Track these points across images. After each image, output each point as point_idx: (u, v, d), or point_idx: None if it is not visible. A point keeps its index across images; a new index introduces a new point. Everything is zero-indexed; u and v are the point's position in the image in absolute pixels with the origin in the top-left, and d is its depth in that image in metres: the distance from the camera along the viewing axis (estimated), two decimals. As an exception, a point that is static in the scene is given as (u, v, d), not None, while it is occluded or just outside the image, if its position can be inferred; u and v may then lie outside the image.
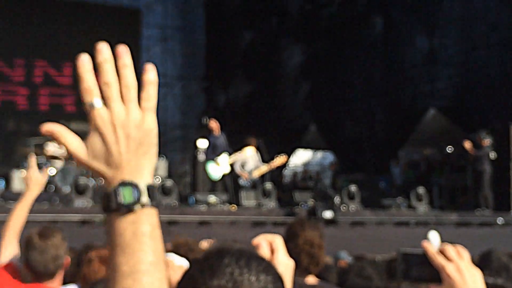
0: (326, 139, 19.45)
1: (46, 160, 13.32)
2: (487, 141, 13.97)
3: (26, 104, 19.90)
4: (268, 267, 1.45)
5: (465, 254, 1.76)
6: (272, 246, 1.73)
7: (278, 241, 1.75)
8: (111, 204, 1.17)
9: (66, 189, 12.59)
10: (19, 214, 3.60)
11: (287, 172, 16.85)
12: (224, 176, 13.27)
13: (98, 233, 8.27)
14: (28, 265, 3.37)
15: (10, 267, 3.43)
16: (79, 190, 11.93)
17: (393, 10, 18.61)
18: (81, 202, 11.80)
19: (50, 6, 20.20)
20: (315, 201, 13.09)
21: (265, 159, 13.73)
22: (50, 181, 13.02)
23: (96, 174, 1.20)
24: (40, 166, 4.02)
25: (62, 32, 19.72)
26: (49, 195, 12.13)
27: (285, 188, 15.15)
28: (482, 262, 3.06)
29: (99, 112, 1.17)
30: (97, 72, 1.20)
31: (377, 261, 11.34)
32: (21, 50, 19.52)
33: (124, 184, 1.17)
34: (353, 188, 13.75)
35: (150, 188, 1.18)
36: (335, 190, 14.43)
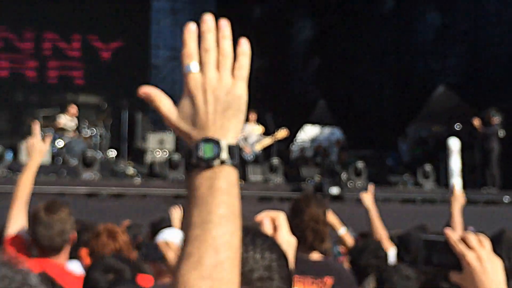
0: (334, 114, 19.42)
1: (55, 132, 13.37)
2: (496, 119, 13.92)
3: (35, 76, 19.92)
4: (272, 245, 1.48)
5: (487, 243, 1.76)
6: (275, 223, 1.74)
7: (281, 218, 1.76)
8: (192, 159, 1.19)
9: (74, 161, 12.65)
10: (25, 184, 3.59)
11: (294, 148, 16.84)
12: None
13: (105, 206, 8.35)
14: (35, 240, 3.39)
15: (17, 240, 3.45)
16: (87, 163, 12.00)
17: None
18: (88, 174, 11.88)
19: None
20: (322, 177, 13.11)
21: (271, 133, 13.75)
22: (58, 153, 13.09)
23: (182, 134, 1.24)
24: (42, 135, 4.00)
25: (71, 4, 19.67)
26: (57, 167, 12.20)
27: (292, 164, 15.15)
28: (495, 242, 3.07)
29: (194, 76, 1.23)
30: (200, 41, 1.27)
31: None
32: (31, 22, 19.49)
33: (206, 140, 1.20)
34: (360, 164, 13.77)
35: (231, 148, 1.21)
36: (341, 166, 14.44)
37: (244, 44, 1.32)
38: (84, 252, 3.97)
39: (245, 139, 13.54)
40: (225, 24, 1.29)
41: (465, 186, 14.41)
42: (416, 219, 9.81)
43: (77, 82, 20.40)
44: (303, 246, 3.89)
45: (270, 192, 12.31)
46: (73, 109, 14.12)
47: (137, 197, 11.51)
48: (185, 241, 1.17)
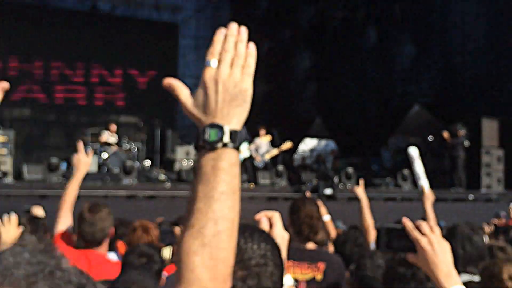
0: (329, 129, 19.36)
1: (100, 146, 13.42)
2: (462, 132, 13.85)
3: (84, 100, 20.04)
4: (267, 238, 1.47)
5: (437, 230, 1.76)
6: (271, 221, 1.74)
7: (276, 216, 1.75)
8: (200, 141, 1.17)
9: (116, 170, 12.68)
10: (72, 190, 3.61)
11: (296, 157, 16.79)
12: (244, 160, 13.30)
13: (141, 206, 8.28)
14: (80, 235, 3.40)
15: (65, 235, 3.46)
16: (126, 171, 12.00)
17: (386, 23, 18.43)
18: (127, 180, 11.87)
19: (106, 21, 20.28)
20: (318, 180, 13.06)
21: (277, 145, 13.74)
22: (103, 163, 13.13)
23: (195, 119, 1.22)
24: (87, 150, 4.01)
25: (115, 43, 19.81)
26: (102, 174, 12.25)
27: (294, 170, 15.11)
28: (449, 234, 3.04)
29: (210, 69, 1.21)
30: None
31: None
32: (81, 58, 19.65)
33: (212, 125, 1.17)
34: (350, 169, 13.73)
35: (233, 132, 1.19)
36: (335, 172, 14.38)
37: (252, 48, 1.30)
38: (120, 243, 3.98)
39: (256, 150, 13.54)
40: (243, 30, 1.29)
41: (436, 187, 14.33)
42: (396, 215, 9.76)
43: (118, 106, 20.51)
44: (300, 237, 3.93)
45: (276, 193, 12.29)
46: (113, 127, 14.18)
47: (167, 198, 11.49)
48: (189, 214, 1.14)
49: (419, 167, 3.13)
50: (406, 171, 14.15)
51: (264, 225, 1.71)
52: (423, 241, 1.73)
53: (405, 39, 17.98)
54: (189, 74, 23.34)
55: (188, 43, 23.21)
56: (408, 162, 15.80)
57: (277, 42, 22.21)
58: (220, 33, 1.26)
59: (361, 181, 5.00)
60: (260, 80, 23.10)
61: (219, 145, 1.17)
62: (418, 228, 1.76)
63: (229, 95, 1.21)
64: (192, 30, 23.33)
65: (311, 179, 13.35)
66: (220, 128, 1.17)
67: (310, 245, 3.93)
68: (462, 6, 16.15)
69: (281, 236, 1.70)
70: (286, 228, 1.83)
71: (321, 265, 3.82)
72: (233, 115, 1.21)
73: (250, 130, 13.99)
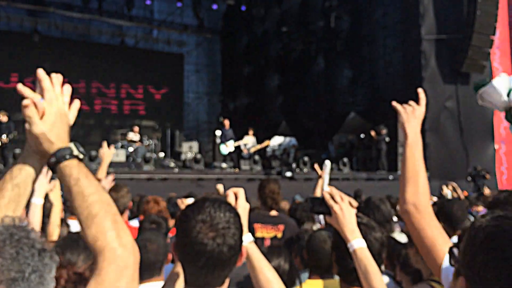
0: (291, 130, 19.36)
1: (127, 143, 13.30)
2: (384, 131, 13.92)
3: (116, 110, 19.79)
4: (232, 208, 1.41)
5: (345, 198, 1.71)
6: (236, 195, 1.68)
7: (240, 192, 1.69)
8: (61, 159, 1.13)
9: (139, 160, 12.55)
10: (101, 173, 3.51)
11: (268, 149, 16.77)
12: (230, 153, 13.23)
13: (157, 185, 8.19)
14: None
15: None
16: (146, 160, 11.86)
17: (331, 54, 18.44)
18: (147, 167, 11.74)
19: (131, 52, 20.04)
20: (281, 166, 13.03)
21: (257, 142, 13.69)
22: (129, 155, 13.00)
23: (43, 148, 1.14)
24: (109, 145, 3.86)
25: (138, 68, 19.55)
26: (129, 163, 12.15)
27: (267, 159, 15.09)
28: (365, 204, 3.06)
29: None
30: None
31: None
32: (113, 79, 19.38)
33: (63, 148, 1.14)
34: (306, 158, 13.73)
35: (74, 149, 1.14)
36: (295, 160, 14.41)
37: (66, 87, 1.20)
38: (141, 216, 3.96)
39: (245, 145, 13.47)
40: (55, 77, 1.19)
41: (367, 170, 14.44)
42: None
43: (140, 113, 20.27)
44: (265, 207, 3.86)
45: (253, 176, 12.22)
46: (136, 128, 14.01)
47: (176, 180, 11.38)
48: (76, 209, 1.08)
49: (327, 176, 3.10)
50: (345, 160, 14.20)
51: (231, 199, 1.65)
52: (335, 207, 1.69)
53: (344, 65, 18.04)
54: (191, 90, 23.18)
55: (191, 68, 23.06)
56: (346, 153, 15.92)
57: (255, 67, 22.15)
58: (41, 78, 1.15)
59: (316, 165, 4.97)
60: (244, 94, 22.98)
61: (73, 158, 1.13)
62: (332, 197, 1.72)
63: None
64: (193, 58, 23.18)
65: (279, 166, 13.34)
66: (69, 148, 1.14)
67: (273, 212, 3.87)
68: (384, 41, 16.25)
69: (243, 207, 1.64)
70: (248, 200, 1.75)
71: (281, 227, 3.77)
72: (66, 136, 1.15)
73: (240, 131, 13.97)
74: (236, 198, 1.65)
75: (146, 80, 20.21)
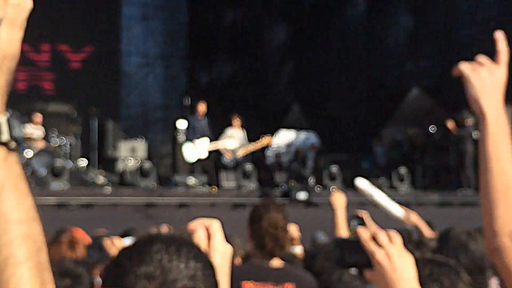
0: (309, 119, 19.47)
1: (22, 142, 13.25)
2: (470, 121, 14.01)
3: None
4: (198, 254, 1.45)
5: (397, 239, 1.76)
6: (209, 232, 1.72)
7: (215, 226, 1.74)
8: None
9: (42, 171, 12.55)
10: None
11: (269, 153, 16.85)
12: (201, 159, 13.23)
13: (75, 216, 8.21)
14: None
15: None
16: (55, 173, 11.91)
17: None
18: (57, 184, 11.79)
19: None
20: (291, 182, 13.10)
21: (248, 140, 13.77)
22: (26, 163, 12.96)
23: None
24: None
25: (40, 11, 19.62)
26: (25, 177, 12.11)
27: (266, 169, 15.17)
28: (441, 241, 3.07)
29: None
30: None
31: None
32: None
33: None
34: (334, 168, 13.78)
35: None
36: (317, 171, 14.48)
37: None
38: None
39: (228, 145, 13.54)
40: None
41: (440, 188, 14.54)
42: (390, 222, 9.84)
43: (46, 92, 20.36)
44: (263, 253, 3.94)
45: (243, 199, 12.32)
46: (38, 117, 14.04)
47: (107, 206, 11.45)
48: None
49: (380, 197, 3.20)
50: (403, 170, 14.31)
51: (200, 237, 1.71)
52: (378, 254, 1.73)
53: (400, 7, 18.14)
54: (134, 52, 23.26)
55: (134, 13, 23.10)
56: (405, 158, 16.04)
57: (245, 10, 22.24)
58: None
59: (335, 188, 5.07)
60: (225, 58, 23.21)
61: None
62: (374, 238, 1.76)
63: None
64: (138, -4, 23.23)
65: (288, 181, 13.42)
66: None
67: (276, 262, 3.94)
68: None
69: (221, 251, 1.70)
70: (229, 240, 1.80)
71: (290, 286, 3.84)
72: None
73: (220, 120, 14.00)
74: (209, 236, 1.72)
75: (54, 34, 20.32)
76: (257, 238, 3.94)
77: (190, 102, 13.82)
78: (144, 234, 1.69)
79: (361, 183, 3.98)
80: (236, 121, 13.83)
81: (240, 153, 13.61)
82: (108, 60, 21.47)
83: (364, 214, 4.27)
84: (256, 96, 21.10)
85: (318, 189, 13.06)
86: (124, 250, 1.42)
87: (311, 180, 12.81)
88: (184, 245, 1.43)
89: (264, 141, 13.78)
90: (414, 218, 4.53)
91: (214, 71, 23.40)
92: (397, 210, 4.61)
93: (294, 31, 20.69)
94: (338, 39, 19.25)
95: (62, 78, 20.44)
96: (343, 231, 4.46)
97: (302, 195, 12.33)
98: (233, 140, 13.61)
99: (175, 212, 11.49)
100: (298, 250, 5.02)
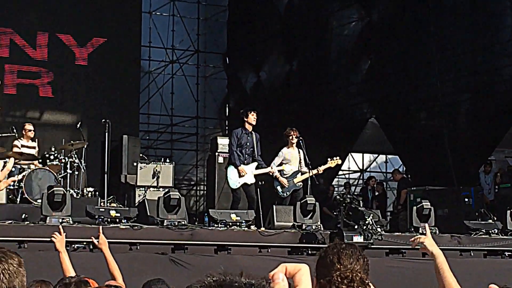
0: (390, 138, 19.36)
1: (9, 161, 13.47)
2: None
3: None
4: None
5: None
6: (294, 280, 1.75)
7: (303, 272, 1.76)
8: None
9: (36, 199, 12.72)
10: None
11: (339, 182, 16.84)
12: (246, 185, 13.32)
13: (80, 261, 8.25)
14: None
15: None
16: (53, 204, 11.97)
17: None
18: (55, 219, 11.82)
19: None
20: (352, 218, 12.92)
21: (307, 163, 13.78)
22: (17, 188, 13.16)
23: None
24: None
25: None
26: (14, 208, 12.24)
27: (333, 204, 15.15)
28: None
29: None
30: None
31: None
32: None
33: None
34: (426, 205, 13.65)
35: None
36: (398, 208, 14.33)
37: None
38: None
39: (281, 170, 13.61)
40: None
41: None
42: (502, 278, 9.70)
43: (43, 94, 20.57)
44: None
45: (298, 244, 12.26)
46: (29, 130, 14.30)
47: (121, 249, 11.48)
48: None
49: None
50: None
51: (281, 287, 1.72)
52: None
53: (508, 8, 17.96)
54: (156, 42, 23.45)
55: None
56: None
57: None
58: None
59: (426, 227, 4.97)
60: (275, 55, 23.28)
61: None
62: None
63: None
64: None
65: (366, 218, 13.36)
66: None
67: None
68: None
69: None
70: None
71: None
72: None
73: (266, 134, 14.03)
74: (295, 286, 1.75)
75: (56, 23, 20.66)
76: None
77: (229, 112, 13.92)
78: (205, 282, 1.66)
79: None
80: (293, 137, 13.86)
81: (298, 179, 13.65)
82: (124, 56, 21.65)
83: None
84: (317, 105, 21.07)
85: (380, 236, 12.76)
86: None
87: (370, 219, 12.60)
88: None
89: (330, 164, 13.80)
90: None
91: (263, 71, 23.45)
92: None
93: (370, 19, 20.65)
94: (431, 31, 19.08)
95: (65, 79, 20.64)
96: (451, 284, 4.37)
97: (357, 238, 12.22)
98: (289, 156, 13.66)
99: (211, 258, 11.50)
100: None
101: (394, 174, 19.55)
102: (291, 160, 13.77)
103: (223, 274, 1.55)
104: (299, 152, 13.91)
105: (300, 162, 13.87)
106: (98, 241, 6.67)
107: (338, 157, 14.05)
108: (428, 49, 18.93)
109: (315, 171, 13.63)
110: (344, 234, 12.19)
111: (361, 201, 13.21)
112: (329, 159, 13.87)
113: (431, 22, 18.92)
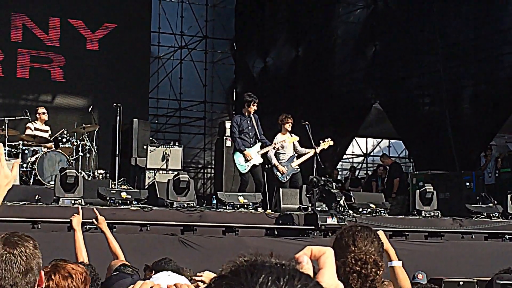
0: (394, 123, 19.32)
1: (23, 145, 13.56)
2: None
3: (-1, 70, 20.21)
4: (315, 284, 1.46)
5: None
6: (319, 262, 1.73)
7: (328, 255, 1.74)
8: None
9: (49, 180, 12.74)
10: None
11: (342, 167, 16.84)
12: (255, 167, 13.35)
13: (90, 241, 8.31)
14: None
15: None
16: (66, 186, 11.98)
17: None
18: (68, 200, 11.86)
19: None
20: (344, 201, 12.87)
21: (308, 145, 13.81)
22: (31, 169, 13.20)
23: None
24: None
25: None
26: (27, 189, 12.28)
27: (339, 187, 15.14)
28: None
29: None
30: None
31: (461, 285, 11.32)
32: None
33: None
34: (429, 189, 13.65)
35: None
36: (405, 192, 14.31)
37: None
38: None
39: (278, 154, 13.61)
40: None
41: None
42: (504, 260, 9.69)
43: (54, 77, 20.57)
44: None
45: (302, 226, 12.28)
46: (42, 113, 14.31)
47: (132, 230, 11.52)
48: None
49: None
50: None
51: (307, 270, 1.68)
52: None
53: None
54: (165, 27, 23.38)
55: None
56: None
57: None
58: None
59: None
60: (282, 40, 23.23)
61: None
62: None
63: None
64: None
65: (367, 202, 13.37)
66: None
67: None
68: None
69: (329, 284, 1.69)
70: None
71: None
72: None
73: (264, 121, 14.04)
74: (319, 267, 1.71)
75: (68, 9, 20.66)
76: (339, 276, 3.91)
77: (236, 97, 13.90)
78: (237, 262, 1.66)
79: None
80: (288, 123, 13.86)
81: (295, 163, 13.77)
82: (134, 41, 21.65)
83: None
84: (322, 91, 21.01)
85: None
86: (221, 280, 1.43)
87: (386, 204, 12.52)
88: (296, 277, 1.44)
89: (322, 146, 13.81)
90: None
91: (268, 57, 23.39)
92: None
93: (375, 4, 20.56)
94: (435, 17, 19.00)
95: (76, 63, 20.63)
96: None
97: (330, 220, 12.16)
98: (286, 140, 13.69)
99: (219, 239, 11.54)
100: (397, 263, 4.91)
101: (384, 158, 19.43)
102: (286, 146, 13.82)
103: (254, 254, 1.55)
104: (292, 137, 13.92)
105: (294, 147, 13.91)
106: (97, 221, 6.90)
107: (329, 139, 14.02)
108: (432, 36, 18.87)
109: (310, 153, 13.66)
110: (318, 216, 12.21)
111: (333, 183, 13.16)
112: (321, 141, 13.91)
113: (435, 9, 18.85)
